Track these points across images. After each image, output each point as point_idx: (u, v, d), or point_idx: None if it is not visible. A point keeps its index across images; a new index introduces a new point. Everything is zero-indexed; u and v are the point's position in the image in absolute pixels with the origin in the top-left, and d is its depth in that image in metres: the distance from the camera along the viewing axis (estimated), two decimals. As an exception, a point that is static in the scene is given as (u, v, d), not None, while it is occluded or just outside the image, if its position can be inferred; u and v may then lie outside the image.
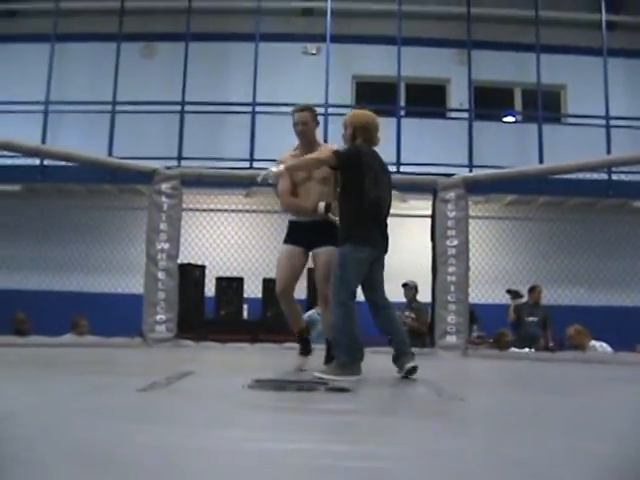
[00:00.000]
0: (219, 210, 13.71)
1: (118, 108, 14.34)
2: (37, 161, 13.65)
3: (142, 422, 2.91)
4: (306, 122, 6.03)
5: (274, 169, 5.40)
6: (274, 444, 2.45)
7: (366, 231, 5.33)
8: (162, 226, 9.26)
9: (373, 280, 5.45)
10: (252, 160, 13.72)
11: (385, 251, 5.55)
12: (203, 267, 12.87)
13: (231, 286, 12.92)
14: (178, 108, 14.29)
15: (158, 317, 9.09)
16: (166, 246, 9.25)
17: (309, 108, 6.09)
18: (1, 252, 13.29)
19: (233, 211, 14.09)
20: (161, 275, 9.19)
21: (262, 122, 13.89)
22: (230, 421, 3.08)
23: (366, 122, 5.60)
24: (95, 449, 2.28)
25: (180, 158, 13.84)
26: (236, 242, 13.38)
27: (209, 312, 12.89)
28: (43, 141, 13.95)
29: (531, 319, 11.80)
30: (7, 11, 16.43)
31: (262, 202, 14.11)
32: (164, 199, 9.33)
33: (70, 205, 13.50)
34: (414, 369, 5.24)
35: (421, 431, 2.93)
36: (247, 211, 14.38)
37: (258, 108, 14.16)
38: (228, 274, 13.10)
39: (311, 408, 3.64)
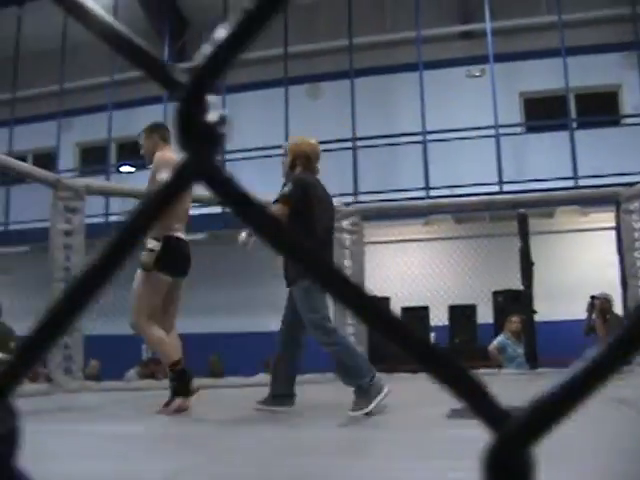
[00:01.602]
0: (399, 241, 13.75)
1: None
2: (219, 209, 14.19)
3: (350, 457, 2.99)
4: (141, 144, 5.72)
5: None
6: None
7: None
8: (346, 262, 9.44)
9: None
10: (428, 189, 13.77)
11: None
12: (387, 299, 12.94)
13: (417, 315, 12.92)
14: (349, 145, 14.55)
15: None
16: (350, 281, 9.41)
17: (146, 128, 5.76)
18: (194, 298, 13.85)
19: (413, 241, 14.05)
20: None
21: (434, 150, 13.94)
22: (434, 452, 3.12)
23: (306, 151, 5.58)
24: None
25: (356, 193, 14.04)
26: (420, 272, 13.32)
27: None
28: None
29: None
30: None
31: (441, 230, 14.06)
32: (346, 235, 9.51)
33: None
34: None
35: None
36: (428, 240, 14.29)
37: (428, 136, 14.21)
38: (414, 304, 13.05)
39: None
